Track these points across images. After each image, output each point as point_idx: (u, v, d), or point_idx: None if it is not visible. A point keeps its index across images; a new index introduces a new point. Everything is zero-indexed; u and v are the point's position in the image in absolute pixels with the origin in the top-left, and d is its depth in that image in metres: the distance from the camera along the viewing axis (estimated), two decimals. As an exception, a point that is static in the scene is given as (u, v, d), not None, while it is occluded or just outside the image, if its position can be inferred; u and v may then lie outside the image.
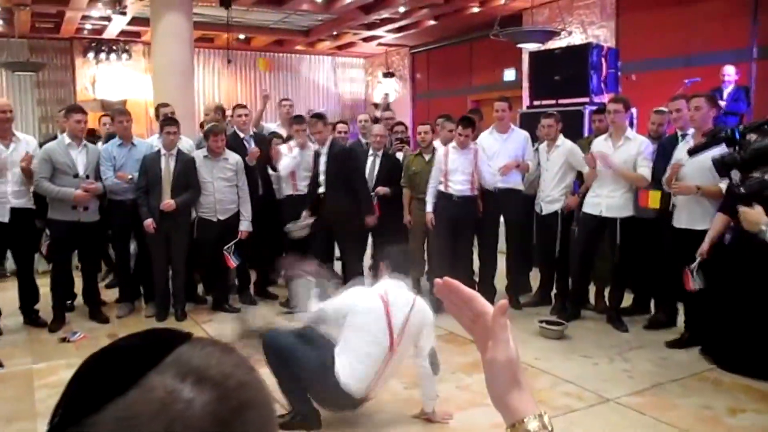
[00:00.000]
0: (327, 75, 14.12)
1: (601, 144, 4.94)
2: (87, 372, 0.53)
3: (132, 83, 11.75)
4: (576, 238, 5.18)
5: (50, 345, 4.69)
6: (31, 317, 5.09)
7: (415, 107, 13.01)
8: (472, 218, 5.41)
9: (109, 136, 5.62)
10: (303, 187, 5.69)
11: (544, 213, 5.39)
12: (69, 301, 5.42)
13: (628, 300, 5.21)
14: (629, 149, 4.78)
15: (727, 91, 6.39)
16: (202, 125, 6.82)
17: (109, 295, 5.73)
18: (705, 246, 4.07)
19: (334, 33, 11.81)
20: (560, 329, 4.77)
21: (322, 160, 5.34)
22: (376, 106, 13.40)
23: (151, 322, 5.21)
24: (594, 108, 6.03)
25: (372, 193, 5.78)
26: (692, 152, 3.99)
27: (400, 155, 6.07)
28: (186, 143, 5.62)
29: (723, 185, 4.01)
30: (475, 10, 9.51)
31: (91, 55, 11.57)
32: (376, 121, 6.91)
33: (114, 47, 11.61)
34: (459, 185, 5.31)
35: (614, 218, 4.83)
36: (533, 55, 7.47)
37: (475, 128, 5.42)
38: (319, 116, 5.40)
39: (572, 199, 5.24)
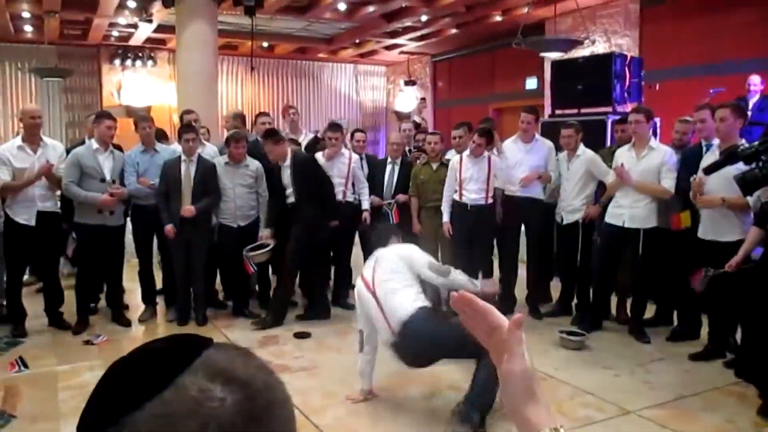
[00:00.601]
0: (349, 83, 14.20)
1: (624, 154, 4.90)
2: (120, 373, 0.56)
3: (157, 90, 11.92)
4: (598, 248, 5.14)
5: (74, 347, 4.76)
6: (55, 319, 5.17)
7: (437, 115, 13.02)
8: (488, 227, 5.40)
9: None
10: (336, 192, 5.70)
11: (564, 223, 5.36)
12: (93, 304, 5.50)
13: (650, 311, 5.15)
14: (653, 159, 4.74)
15: (753, 100, 6.30)
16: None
17: (133, 299, 5.80)
18: (738, 258, 3.97)
19: (357, 41, 11.88)
20: (581, 340, 4.73)
21: (286, 173, 5.32)
22: (398, 115, 13.40)
23: (172, 326, 5.27)
24: (617, 117, 5.99)
25: (392, 201, 5.81)
26: (708, 171, 3.94)
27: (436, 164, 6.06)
28: (210, 149, 5.68)
29: (750, 198, 3.95)
30: (498, 18, 9.51)
31: (117, 61, 11.76)
32: (417, 126, 6.98)
33: (140, 54, 11.80)
34: (474, 194, 5.32)
35: (637, 229, 4.78)
36: (555, 63, 7.44)
37: (492, 140, 5.41)
38: (268, 135, 5.38)
39: (593, 208, 5.20)
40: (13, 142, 5.05)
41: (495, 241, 5.80)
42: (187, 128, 5.33)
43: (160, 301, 5.66)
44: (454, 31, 10.61)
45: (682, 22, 7.89)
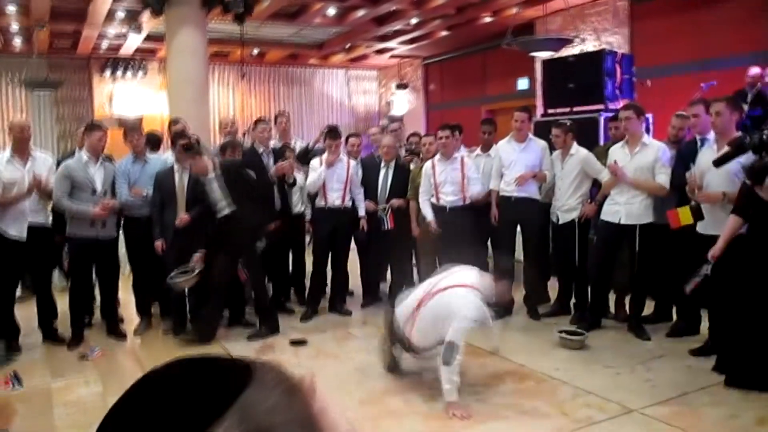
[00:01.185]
0: (340, 88, 14.19)
1: (618, 151, 4.89)
2: (139, 413, 0.47)
3: (148, 99, 11.89)
4: (594, 246, 5.12)
5: (69, 362, 4.69)
6: (49, 334, 5.12)
7: (429, 118, 13.02)
8: (468, 228, 5.34)
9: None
10: (334, 199, 5.64)
11: (560, 222, 5.34)
12: (87, 318, 5.44)
13: (649, 308, 5.12)
14: (646, 156, 4.72)
15: (753, 92, 6.27)
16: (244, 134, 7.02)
17: (127, 311, 5.75)
18: (719, 247, 3.91)
19: (347, 46, 11.88)
20: (581, 339, 4.70)
21: (213, 187, 5.01)
22: (390, 119, 13.41)
23: (168, 338, 5.21)
24: (609, 115, 5.97)
25: (387, 206, 5.78)
26: (718, 163, 3.91)
27: (413, 167, 6.05)
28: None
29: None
30: (488, 20, 9.52)
31: (107, 72, 11.74)
32: (382, 130, 6.89)
33: (130, 64, 11.77)
34: (450, 196, 5.32)
35: (633, 225, 4.76)
36: (546, 63, 7.44)
37: (461, 134, 5.52)
38: (186, 148, 5.00)
39: (589, 207, 5.18)
40: (2, 155, 4.98)
41: (489, 242, 5.79)
42: (180, 137, 5.27)
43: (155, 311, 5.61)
44: (444, 33, 10.62)
45: (672, 19, 7.91)
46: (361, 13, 9.22)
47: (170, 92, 8.10)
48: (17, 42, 10.42)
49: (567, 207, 5.27)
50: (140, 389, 0.47)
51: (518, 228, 5.54)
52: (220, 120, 6.72)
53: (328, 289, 5.95)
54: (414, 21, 9.86)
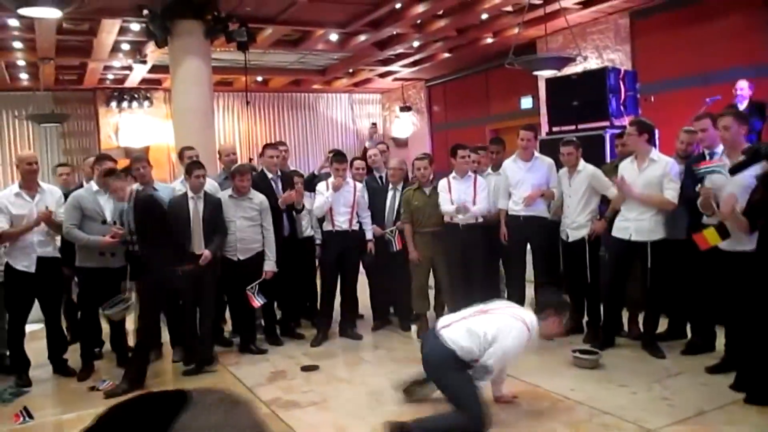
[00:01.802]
0: (344, 112, 14.28)
1: (627, 167, 4.85)
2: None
3: (154, 129, 11.98)
4: (606, 263, 5.07)
5: (79, 394, 4.66)
6: (60, 366, 5.10)
7: (434, 139, 13.05)
8: (480, 246, 5.39)
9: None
10: (341, 222, 5.64)
11: (570, 240, 5.30)
12: (97, 349, 5.42)
13: (663, 325, 5.06)
14: (654, 171, 4.69)
15: (742, 106, 6.28)
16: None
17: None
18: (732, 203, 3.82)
19: (350, 70, 11.98)
20: (595, 358, 4.64)
21: (129, 218, 4.91)
22: (395, 142, 13.46)
23: (178, 366, 5.18)
24: (615, 131, 5.96)
25: (394, 228, 5.77)
26: (733, 171, 3.87)
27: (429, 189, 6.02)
28: (210, 185, 5.65)
29: None
30: (489, 40, 9.59)
31: (113, 104, 11.86)
32: (364, 153, 6.75)
33: (135, 95, 11.89)
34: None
35: (644, 242, 4.72)
36: (550, 81, 7.46)
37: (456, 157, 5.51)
38: (107, 174, 4.87)
39: (599, 223, 5.14)
40: (11, 189, 5.02)
41: (501, 262, 5.76)
42: (197, 165, 5.29)
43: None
44: (446, 55, 10.69)
45: (673, 34, 7.93)
46: (362, 38, 9.30)
47: (176, 121, 8.16)
48: (23, 77, 10.56)
49: (577, 224, 5.24)
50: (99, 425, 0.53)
51: (528, 247, 5.51)
52: (219, 149, 6.73)
53: (336, 314, 5.92)
54: (416, 44, 9.94)
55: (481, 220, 5.43)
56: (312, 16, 8.35)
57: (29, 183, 4.95)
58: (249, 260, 5.36)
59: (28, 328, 5.02)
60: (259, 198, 5.41)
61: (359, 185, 5.83)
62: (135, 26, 8.23)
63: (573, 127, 6.69)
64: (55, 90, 11.23)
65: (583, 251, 5.26)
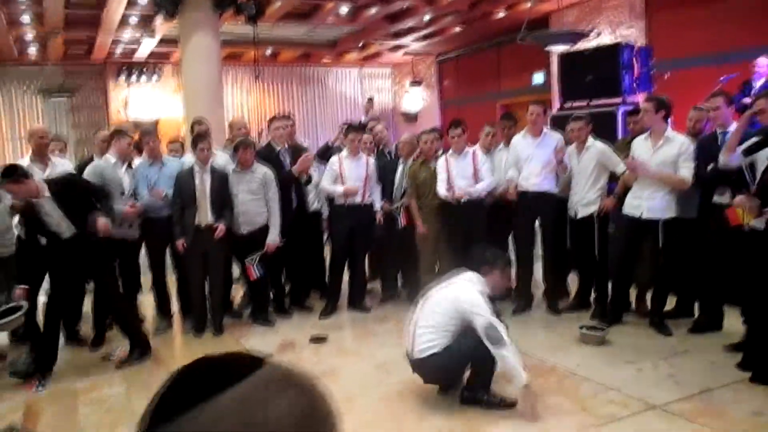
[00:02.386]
0: (354, 86, 14.21)
1: (641, 145, 4.79)
2: (181, 380, 0.57)
3: (163, 103, 11.98)
4: (615, 240, 5.06)
5: (92, 362, 4.75)
6: (72, 336, 5.17)
7: (444, 114, 12.98)
8: (482, 222, 5.40)
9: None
10: (354, 196, 5.65)
11: (579, 216, 5.28)
12: (108, 319, 5.49)
13: (670, 303, 5.06)
14: (670, 149, 4.61)
15: (759, 83, 6.20)
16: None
17: (148, 311, 5.80)
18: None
19: (360, 44, 11.87)
20: (602, 335, 4.66)
21: (48, 209, 4.35)
22: (405, 116, 13.37)
23: (188, 337, 5.25)
24: (627, 108, 5.91)
25: (400, 204, 5.78)
26: (747, 152, 3.84)
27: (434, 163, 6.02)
28: (221, 158, 5.65)
29: None
30: (501, 14, 9.47)
31: (122, 77, 11.84)
32: (362, 127, 6.56)
33: (144, 69, 11.87)
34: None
35: (656, 220, 4.69)
36: (563, 56, 7.38)
37: (466, 130, 5.50)
38: (4, 174, 4.28)
39: (609, 201, 5.12)
40: (22, 162, 5.05)
41: (511, 237, 5.76)
42: (202, 137, 5.31)
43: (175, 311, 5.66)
44: (457, 29, 10.58)
45: (689, 11, 7.81)
46: (373, 11, 9.21)
47: (185, 95, 8.16)
48: (32, 51, 10.54)
49: (586, 201, 5.21)
50: (190, 366, 0.58)
51: (536, 223, 5.51)
52: (230, 122, 6.71)
53: (344, 286, 5.95)
54: (426, 18, 9.84)
55: (483, 196, 5.43)
56: (322, -11, 8.28)
57: (41, 156, 5.01)
58: (252, 233, 5.38)
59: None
60: (261, 170, 5.40)
61: (371, 160, 5.83)
62: (144, -1, 8.19)
63: (585, 103, 6.64)
64: (64, 64, 11.23)
65: (592, 228, 5.24)
